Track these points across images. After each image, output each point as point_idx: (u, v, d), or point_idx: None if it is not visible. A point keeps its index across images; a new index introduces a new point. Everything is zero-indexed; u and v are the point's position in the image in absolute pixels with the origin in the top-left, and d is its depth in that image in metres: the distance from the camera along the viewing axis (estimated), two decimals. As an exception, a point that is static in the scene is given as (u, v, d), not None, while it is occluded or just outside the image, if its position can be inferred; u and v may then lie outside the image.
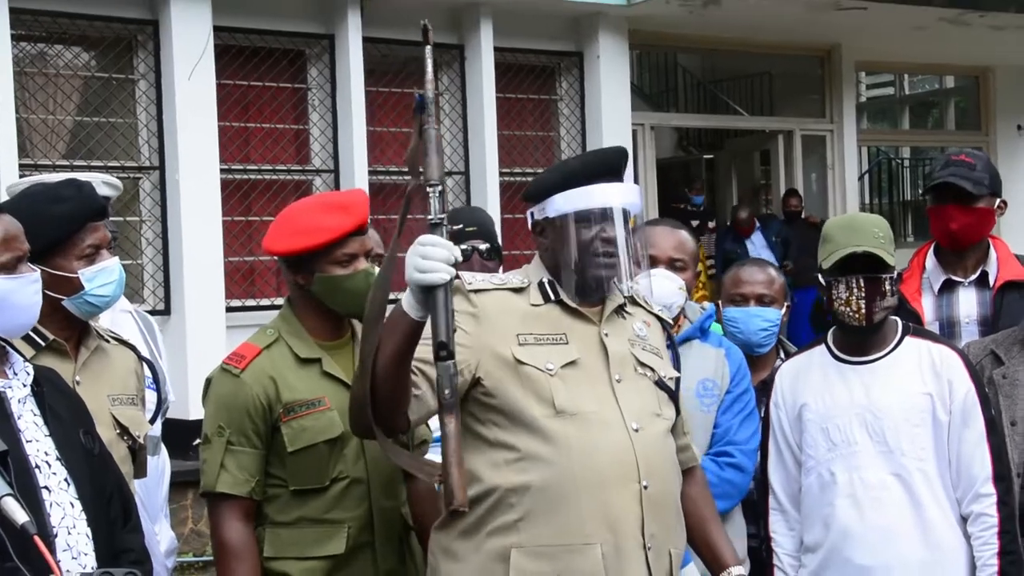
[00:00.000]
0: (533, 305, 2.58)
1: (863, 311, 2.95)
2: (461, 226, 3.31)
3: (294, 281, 2.87)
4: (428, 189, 2.38)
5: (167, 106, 7.08)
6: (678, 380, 2.70)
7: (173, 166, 7.09)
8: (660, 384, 2.63)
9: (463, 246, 3.08)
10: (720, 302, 3.56)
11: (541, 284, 2.60)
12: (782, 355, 3.53)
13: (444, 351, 2.37)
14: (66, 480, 2.38)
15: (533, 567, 2.46)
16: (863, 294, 2.93)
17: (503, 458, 2.49)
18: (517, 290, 2.58)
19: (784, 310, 3.52)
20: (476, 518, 2.50)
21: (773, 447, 3.16)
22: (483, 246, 3.42)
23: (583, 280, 2.55)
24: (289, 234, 2.83)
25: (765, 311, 3.45)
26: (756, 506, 3.37)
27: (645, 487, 2.50)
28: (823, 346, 3.12)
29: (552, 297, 2.59)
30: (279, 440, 2.81)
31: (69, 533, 2.34)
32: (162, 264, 7.14)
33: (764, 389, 3.43)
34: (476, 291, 2.55)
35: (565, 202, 2.52)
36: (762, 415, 3.31)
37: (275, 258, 2.96)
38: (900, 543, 2.94)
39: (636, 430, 2.52)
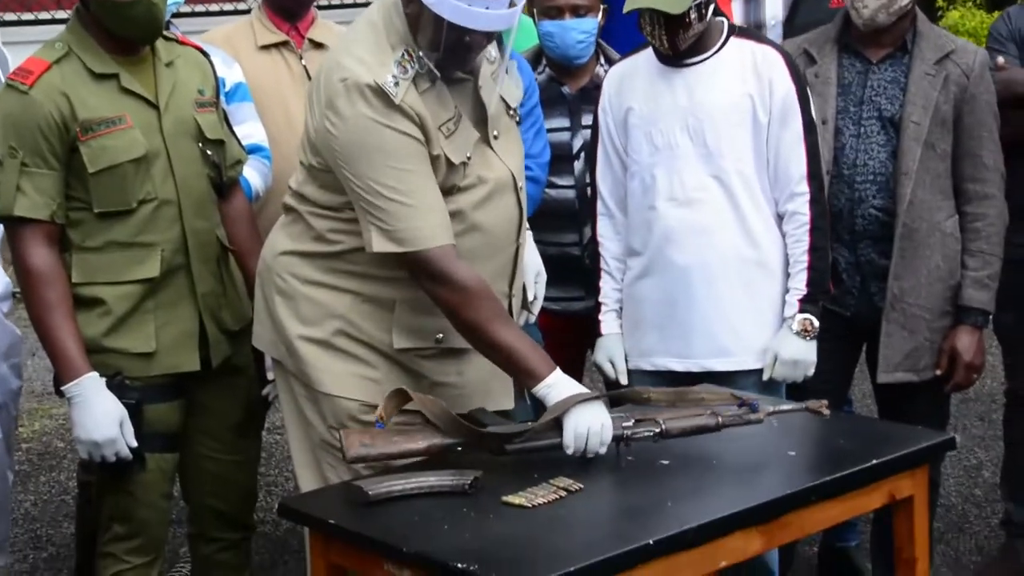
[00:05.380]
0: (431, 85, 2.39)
1: (666, 44, 2.90)
2: None
3: (75, -8, 2.60)
4: None
5: None
6: None
7: None
8: (520, 121, 2.59)
9: None
10: (535, 14, 3.40)
11: (420, 60, 2.36)
12: (603, 60, 3.43)
13: None
14: None
15: (415, 320, 2.44)
16: (663, 31, 2.87)
17: None
18: (416, 77, 2.37)
19: (600, 15, 3.39)
20: (362, 262, 2.43)
21: (601, 152, 3.10)
22: None
23: (440, 68, 2.40)
24: None
25: (581, 22, 3.32)
26: (577, 214, 3.36)
27: (520, 244, 2.50)
28: (649, 49, 3.01)
29: (437, 75, 2.39)
30: (78, 161, 2.60)
31: None
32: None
33: (584, 97, 3.36)
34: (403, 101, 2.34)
35: (444, 6, 2.31)
36: (588, 123, 3.24)
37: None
38: (719, 242, 2.94)
39: (520, 188, 2.48)
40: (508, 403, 2.58)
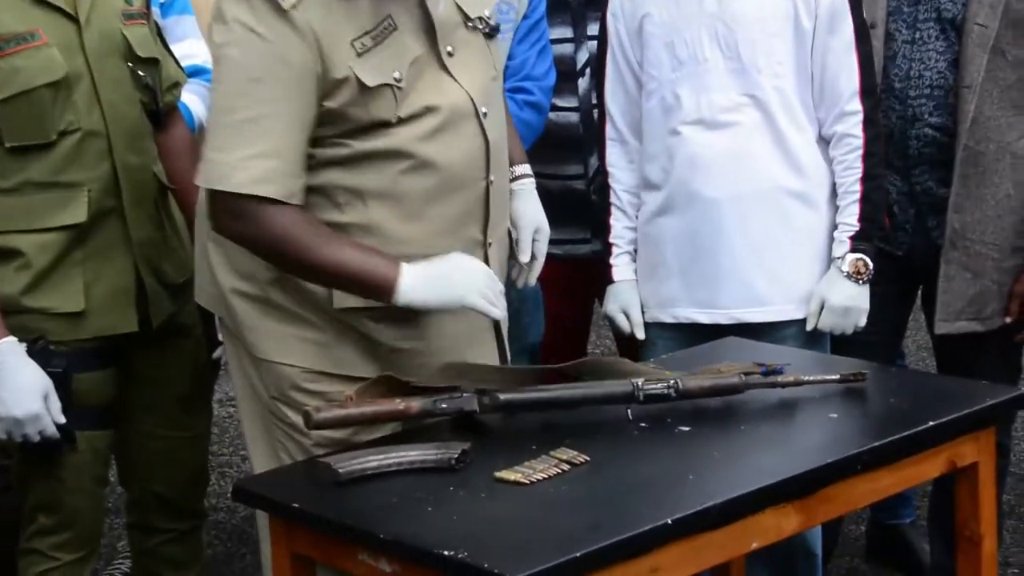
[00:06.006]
0: None
1: None
2: None
3: None
4: None
5: None
6: None
7: None
8: (489, 33, 2.48)
9: None
10: None
11: None
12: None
13: None
14: None
15: None
16: None
17: (341, 154, 2.35)
18: None
19: None
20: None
21: (611, 67, 3.09)
22: None
23: None
24: None
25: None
26: (582, 141, 3.35)
27: (491, 181, 2.44)
28: (669, -60, 2.99)
29: None
30: (-16, 86, 2.59)
31: None
32: None
33: (590, 2, 3.34)
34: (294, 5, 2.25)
35: None
36: (594, 33, 3.23)
37: None
38: (754, 170, 2.93)
39: (485, 114, 2.42)
40: (491, 360, 2.54)
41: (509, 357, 2.60)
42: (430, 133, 2.37)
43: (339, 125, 2.32)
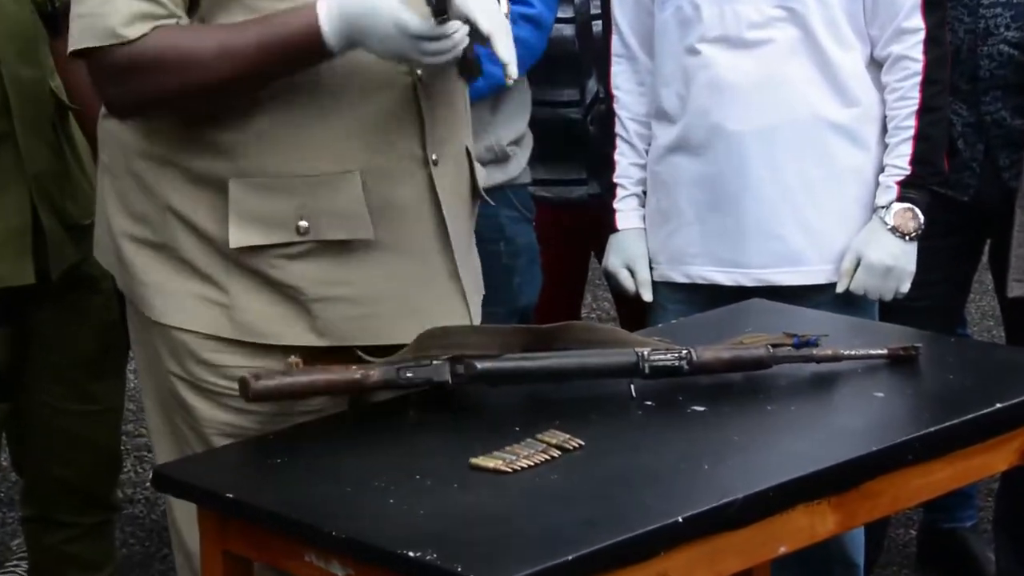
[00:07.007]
0: None
1: None
2: None
3: None
4: None
5: None
6: None
7: None
8: None
9: None
10: None
11: None
12: None
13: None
14: None
15: (261, 204, 2.39)
16: None
17: None
18: None
19: None
20: (178, 131, 2.40)
21: None
22: None
23: None
24: None
25: None
26: (578, 59, 3.38)
27: (420, 78, 2.42)
28: None
29: None
30: None
31: None
32: None
33: None
34: None
35: None
36: None
37: None
38: (790, 99, 2.96)
39: None
40: (455, 316, 2.51)
41: (478, 313, 2.57)
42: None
43: None
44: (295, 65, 2.33)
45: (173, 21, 2.31)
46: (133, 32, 2.28)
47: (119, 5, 2.29)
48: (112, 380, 2.99)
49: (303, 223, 2.39)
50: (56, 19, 2.82)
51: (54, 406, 2.88)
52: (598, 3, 3.36)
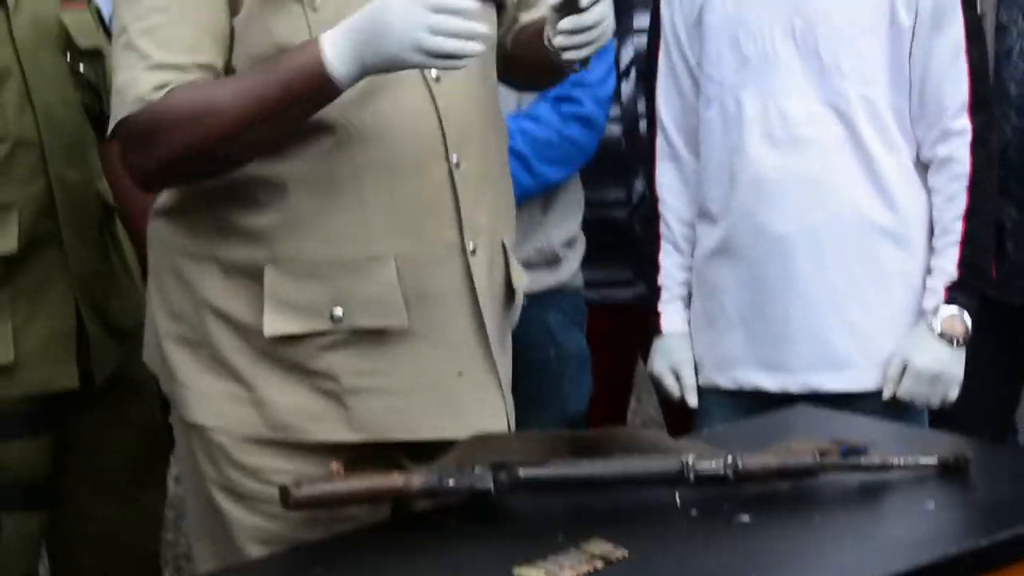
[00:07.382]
0: None
1: None
2: None
3: None
4: None
5: None
6: None
7: None
8: None
9: None
10: None
11: None
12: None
13: None
14: None
15: (296, 290, 2.38)
16: None
17: None
18: None
19: None
20: (214, 211, 2.40)
21: (664, 64, 3.11)
22: None
23: None
24: None
25: None
26: (625, 160, 3.39)
27: (457, 164, 2.41)
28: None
29: None
30: None
31: None
32: None
33: None
34: None
35: None
36: (642, 25, 3.25)
37: None
38: (835, 200, 2.95)
39: (436, 79, 2.38)
40: (491, 410, 2.49)
41: (511, 403, 2.53)
42: (356, 96, 2.33)
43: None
44: (305, 91, 2.29)
45: (196, 76, 2.31)
46: (158, 96, 2.29)
47: (142, 76, 2.30)
48: (154, 485, 2.98)
49: (338, 311, 2.38)
50: (105, 122, 2.82)
51: (94, 513, 2.87)
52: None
